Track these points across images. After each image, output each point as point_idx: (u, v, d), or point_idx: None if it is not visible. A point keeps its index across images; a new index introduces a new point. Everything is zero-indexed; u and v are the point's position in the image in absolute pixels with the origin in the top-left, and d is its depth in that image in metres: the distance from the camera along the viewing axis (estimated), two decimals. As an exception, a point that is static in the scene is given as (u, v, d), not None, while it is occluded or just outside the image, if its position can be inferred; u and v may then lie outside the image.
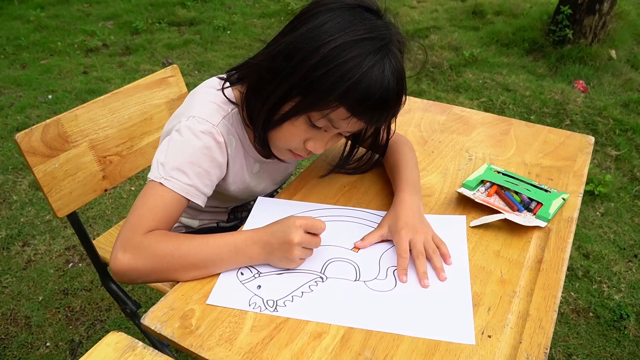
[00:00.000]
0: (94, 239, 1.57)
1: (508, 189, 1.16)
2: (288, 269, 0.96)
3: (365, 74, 0.89)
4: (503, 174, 1.21)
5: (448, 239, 1.02)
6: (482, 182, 1.19)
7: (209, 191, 1.05)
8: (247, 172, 1.17)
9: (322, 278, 0.95)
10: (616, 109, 3.44)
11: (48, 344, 1.96)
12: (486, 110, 3.47)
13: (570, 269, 2.28)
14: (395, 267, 0.97)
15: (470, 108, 3.38)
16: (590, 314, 2.09)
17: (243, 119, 1.09)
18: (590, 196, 2.73)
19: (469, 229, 1.07)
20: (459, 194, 1.16)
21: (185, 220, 1.37)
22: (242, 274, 0.95)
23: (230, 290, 0.92)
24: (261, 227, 0.97)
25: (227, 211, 1.36)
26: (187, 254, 0.93)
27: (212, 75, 1.12)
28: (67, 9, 5.44)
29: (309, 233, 0.93)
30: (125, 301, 1.55)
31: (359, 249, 1.02)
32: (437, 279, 0.95)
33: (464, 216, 1.09)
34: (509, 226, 1.07)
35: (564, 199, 1.14)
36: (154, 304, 0.89)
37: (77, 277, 2.23)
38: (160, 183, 0.97)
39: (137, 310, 1.56)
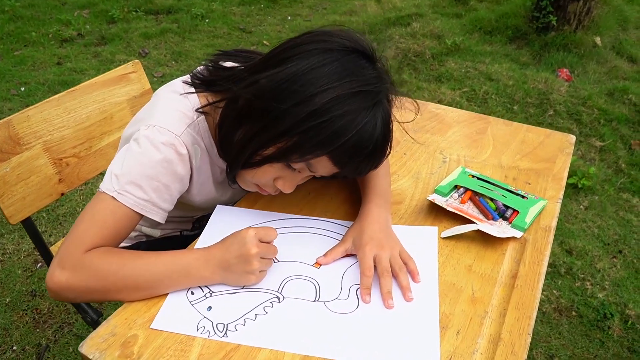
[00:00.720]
0: (63, 236, 1.49)
1: (483, 195, 1.09)
2: (244, 287, 0.89)
3: (358, 130, 0.84)
4: (478, 178, 1.14)
5: (417, 253, 0.96)
6: (456, 187, 1.12)
7: (169, 206, 0.97)
8: (213, 182, 1.09)
9: (279, 298, 0.88)
10: (601, 98, 3.39)
11: (15, 348, 1.89)
12: (468, 100, 3.40)
13: (552, 265, 2.23)
14: (359, 286, 0.90)
15: (452, 98, 3.34)
16: (573, 313, 2.04)
17: (211, 128, 1.00)
18: (573, 189, 2.68)
19: (440, 241, 1.00)
20: (430, 201, 1.09)
21: (146, 229, 1.29)
22: (192, 293, 0.88)
23: (177, 313, 0.85)
24: (213, 245, 0.90)
25: (192, 220, 1.28)
26: (131, 274, 0.86)
27: (189, 66, 1.03)
28: (42, -2, 5.28)
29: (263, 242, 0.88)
30: (86, 310, 1.48)
31: (321, 265, 0.95)
32: (402, 299, 0.88)
33: (435, 227, 1.02)
34: (482, 236, 1.00)
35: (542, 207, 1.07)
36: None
37: (45, 278, 2.15)
38: (112, 197, 0.89)
39: (98, 318, 1.49)
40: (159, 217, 0.95)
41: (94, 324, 1.50)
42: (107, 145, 1.47)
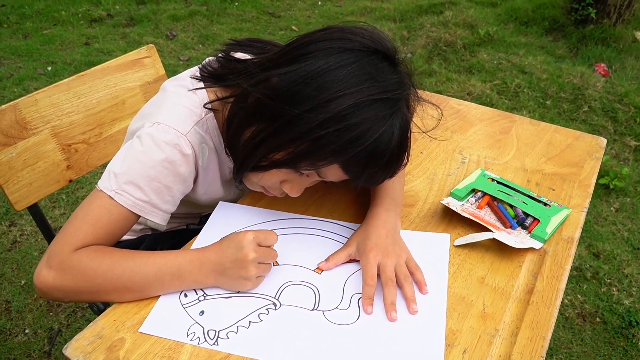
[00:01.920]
0: None
1: (502, 201, 1.02)
2: (240, 291, 0.84)
3: (375, 140, 0.77)
4: (498, 182, 1.07)
5: (427, 262, 0.90)
6: (473, 191, 1.05)
7: (171, 207, 0.92)
8: (220, 182, 1.04)
9: (275, 305, 0.83)
10: (638, 95, 3.23)
11: (27, 331, 1.89)
12: (499, 93, 3.28)
13: (578, 269, 2.14)
14: (361, 296, 0.84)
15: (482, 91, 3.23)
16: (597, 319, 1.96)
17: (220, 125, 0.95)
18: (604, 190, 2.56)
19: (452, 249, 0.93)
20: (445, 205, 1.02)
21: (151, 223, 1.24)
22: (185, 295, 0.84)
23: (168, 317, 0.81)
24: (208, 246, 0.85)
25: (199, 215, 1.24)
26: (121, 276, 0.82)
27: (216, 50, 0.96)
28: (73, -24, 5.30)
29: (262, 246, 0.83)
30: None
31: (322, 270, 0.89)
32: (406, 312, 0.82)
33: (448, 235, 0.96)
34: (498, 246, 0.94)
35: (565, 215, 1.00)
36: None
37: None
38: (109, 196, 0.84)
39: (104, 308, 1.47)
40: (159, 218, 0.90)
41: (100, 314, 1.48)
42: (118, 132, 1.44)
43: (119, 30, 4.21)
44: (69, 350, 0.75)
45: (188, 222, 1.26)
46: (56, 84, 1.31)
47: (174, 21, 4.34)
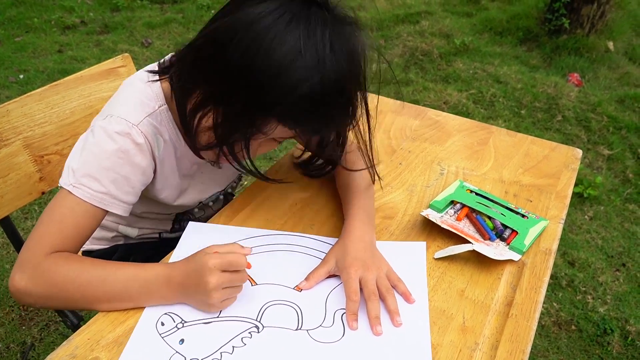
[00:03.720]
0: None
1: (480, 212, 1.02)
2: (219, 315, 0.82)
3: (309, 84, 0.74)
4: (476, 193, 1.08)
5: (405, 272, 0.89)
6: (452, 202, 1.05)
7: (132, 198, 0.91)
8: (179, 176, 1.02)
9: (258, 327, 0.81)
10: (611, 105, 3.30)
11: (-1, 346, 1.84)
12: (475, 103, 3.32)
13: (554, 277, 2.16)
14: (345, 311, 0.83)
15: (458, 100, 3.26)
16: (573, 327, 1.98)
17: (175, 118, 0.94)
18: (579, 198, 2.60)
19: (432, 261, 0.93)
20: (424, 217, 1.02)
21: (122, 228, 1.22)
22: (162, 324, 0.81)
23: (146, 348, 0.77)
24: (176, 263, 0.83)
25: (171, 218, 1.21)
26: (89, 285, 0.81)
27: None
28: (47, -17, 5.22)
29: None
30: (66, 314, 1.42)
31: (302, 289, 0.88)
32: (390, 325, 0.81)
33: (424, 243, 0.95)
34: (477, 257, 0.94)
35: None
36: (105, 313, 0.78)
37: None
38: (69, 191, 0.84)
39: (78, 323, 1.43)
40: (121, 210, 0.89)
41: (75, 329, 1.45)
42: (93, 142, 1.42)
43: (93, 38, 4.16)
44: (40, 370, 0.73)
45: (160, 228, 1.23)
46: (29, 93, 1.27)
47: (150, 29, 4.30)
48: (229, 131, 0.82)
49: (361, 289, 0.85)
